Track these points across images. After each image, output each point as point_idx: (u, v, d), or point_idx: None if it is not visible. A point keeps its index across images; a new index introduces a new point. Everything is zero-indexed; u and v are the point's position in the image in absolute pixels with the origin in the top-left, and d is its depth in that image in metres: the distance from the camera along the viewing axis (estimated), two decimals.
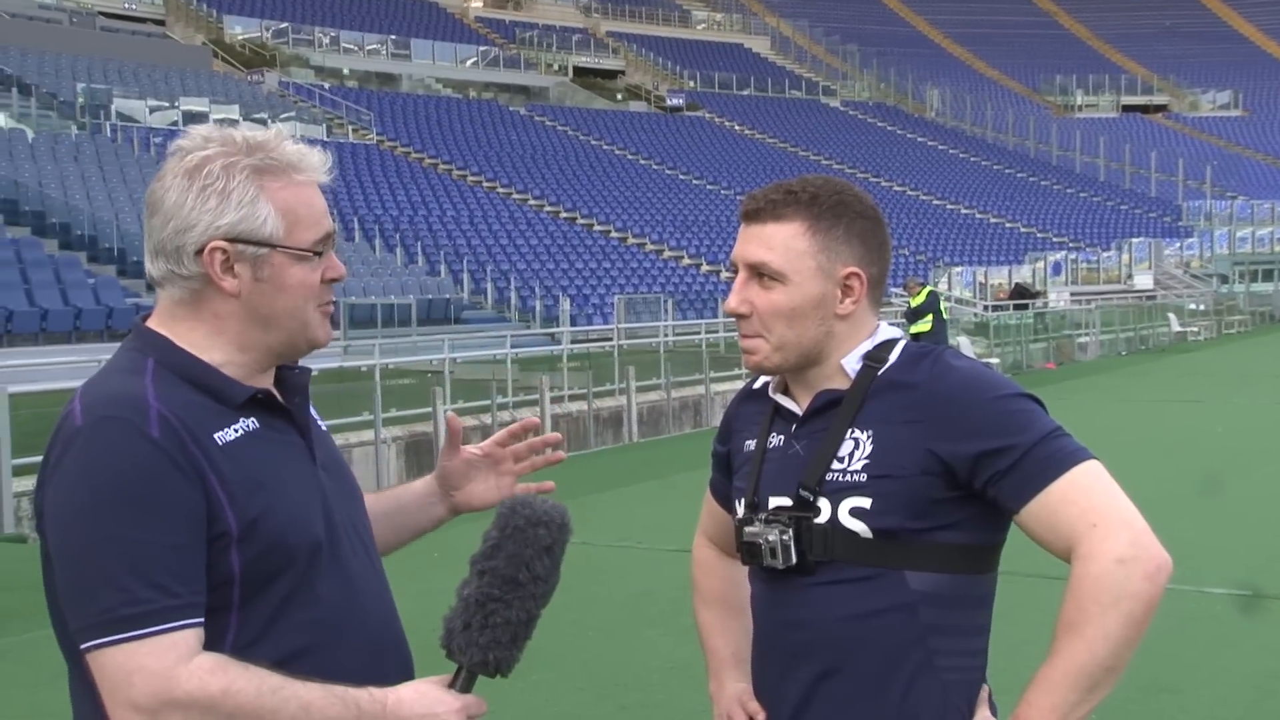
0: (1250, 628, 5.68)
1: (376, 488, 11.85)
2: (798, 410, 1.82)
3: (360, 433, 12.64)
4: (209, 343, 1.60)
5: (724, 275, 32.68)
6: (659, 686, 4.94)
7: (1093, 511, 1.63)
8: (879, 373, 1.77)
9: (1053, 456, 1.66)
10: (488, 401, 14.24)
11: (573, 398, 15.61)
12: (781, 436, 1.83)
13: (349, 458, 12.39)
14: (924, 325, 17.73)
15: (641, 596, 6.35)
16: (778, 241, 1.77)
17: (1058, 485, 1.65)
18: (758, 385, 1.93)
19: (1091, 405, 15.05)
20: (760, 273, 1.78)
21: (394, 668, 1.65)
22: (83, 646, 1.47)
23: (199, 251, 1.57)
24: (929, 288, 19.30)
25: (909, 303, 18.39)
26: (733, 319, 1.84)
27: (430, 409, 13.03)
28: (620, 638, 5.63)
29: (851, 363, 1.79)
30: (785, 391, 1.86)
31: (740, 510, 1.84)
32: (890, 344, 1.80)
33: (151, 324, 1.63)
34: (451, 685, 1.56)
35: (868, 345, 1.80)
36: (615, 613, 5.97)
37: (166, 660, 1.44)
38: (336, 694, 1.50)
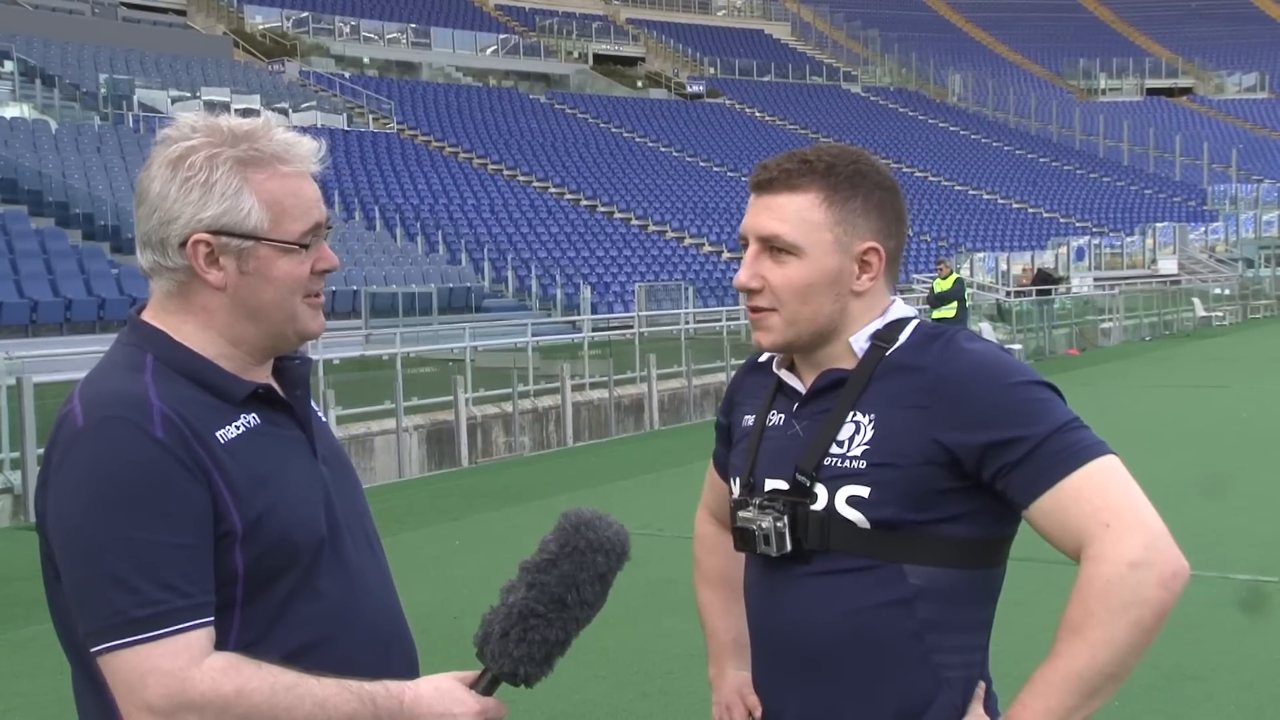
0: (1275, 613, 5.64)
1: (399, 475, 11.95)
2: (801, 388, 1.73)
3: (382, 421, 12.71)
4: (201, 336, 1.58)
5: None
6: (680, 674, 4.95)
7: (1106, 510, 1.53)
8: (887, 353, 1.67)
9: (1067, 450, 1.56)
10: (509, 390, 14.28)
11: (594, 385, 15.63)
12: (782, 415, 1.74)
13: (371, 446, 12.49)
14: (948, 312, 17.53)
15: (663, 584, 6.35)
16: (791, 213, 1.67)
17: (1070, 480, 1.55)
18: (764, 357, 1.84)
19: (1115, 391, 14.98)
20: (773, 246, 1.68)
21: (399, 661, 1.63)
22: (94, 650, 1.45)
23: (183, 244, 1.55)
24: (956, 274, 19.02)
25: (932, 287, 18.22)
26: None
27: (452, 397, 13.08)
28: (641, 625, 5.63)
29: (859, 342, 1.69)
30: (790, 368, 1.77)
31: (735, 490, 1.76)
32: (901, 323, 1.71)
33: (146, 316, 1.61)
34: (474, 685, 1.54)
35: (878, 324, 1.70)
36: (636, 600, 5.97)
37: (180, 661, 1.43)
38: (352, 689, 1.48)
